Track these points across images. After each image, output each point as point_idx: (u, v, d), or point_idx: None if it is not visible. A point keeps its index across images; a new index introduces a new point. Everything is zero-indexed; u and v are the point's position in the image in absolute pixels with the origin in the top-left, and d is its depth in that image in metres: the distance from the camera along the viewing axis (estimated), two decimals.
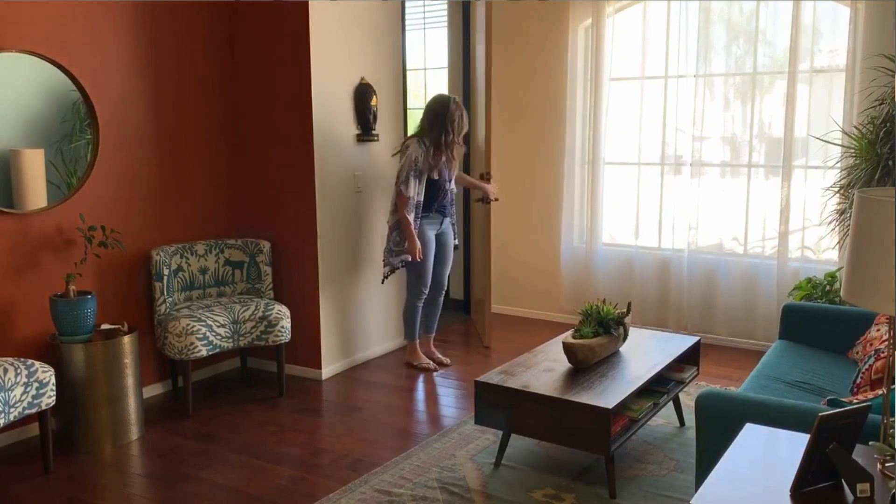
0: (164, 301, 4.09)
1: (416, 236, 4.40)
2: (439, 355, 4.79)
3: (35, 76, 3.63)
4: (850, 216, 2.79)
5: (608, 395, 3.03)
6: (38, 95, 3.67)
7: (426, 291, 4.61)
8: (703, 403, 2.41)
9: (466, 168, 5.50)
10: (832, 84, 4.71)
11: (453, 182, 4.63)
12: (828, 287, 4.27)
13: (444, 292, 4.78)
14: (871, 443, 1.89)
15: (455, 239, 4.79)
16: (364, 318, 4.84)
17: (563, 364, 3.37)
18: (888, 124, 3.93)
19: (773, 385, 2.94)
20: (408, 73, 5.11)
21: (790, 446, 1.93)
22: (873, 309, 1.70)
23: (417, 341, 4.73)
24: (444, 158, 4.47)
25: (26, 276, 3.65)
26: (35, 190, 3.67)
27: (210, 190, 4.55)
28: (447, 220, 4.65)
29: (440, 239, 4.65)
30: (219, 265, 4.43)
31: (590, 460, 3.33)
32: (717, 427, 2.34)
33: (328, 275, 4.51)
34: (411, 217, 4.38)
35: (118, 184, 4.03)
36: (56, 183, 3.75)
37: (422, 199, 4.43)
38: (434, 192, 4.50)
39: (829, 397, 2.39)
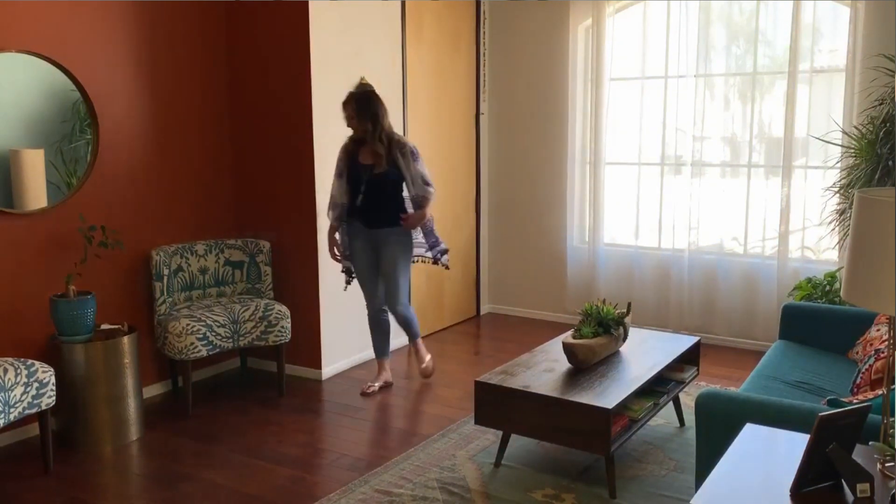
0: (164, 301, 4.09)
1: (330, 237, 4.17)
2: (386, 378, 4.35)
3: (35, 76, 3.63)
4: (850, 216, 2.79)
5: (608, 395, 3.03)
6: (38, 95, 3.67)
7: (368, 306, 4.29)
8: (703, 403, 2.42)
9: None
10: (832, 84, 4.71)
11: (378, 185, 4.04)
12: (828, 287, 4.26)
13: (386, 313, 4.29)
14: (871, 443, 1.89)
15: (432, 251, 4.30)
16: (364, 319, 4.82)
17: (563, 364, 3.37)
18: (888, 124, 3.93)
19: (773, 385, 2.94)
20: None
21: (790, 446, 1.92)
22: (873, 309, 1.70)
23: (377, 361, 4.39)
24: (359, 153, 4.07)
25: (26, 276, 3.65)
26: (35, 190, 3.67)
27: (210, 190, 4.55)
28: (380, 231, 4.09)
29: (374, 248, 4.16)
30: (219, 265, 4.43)
31: (590, 460, 3.33)
32: (717, 427, 2.34)
33: (328, 275, 4.51)
34: (329, 216, 4.15)
35: (118, 184, 4.03)
36: (56, 183, 3.75)
37: (345, 202, 4.09)
38: (354, 194, 4.08)
39: (829, 397, 2.39)
